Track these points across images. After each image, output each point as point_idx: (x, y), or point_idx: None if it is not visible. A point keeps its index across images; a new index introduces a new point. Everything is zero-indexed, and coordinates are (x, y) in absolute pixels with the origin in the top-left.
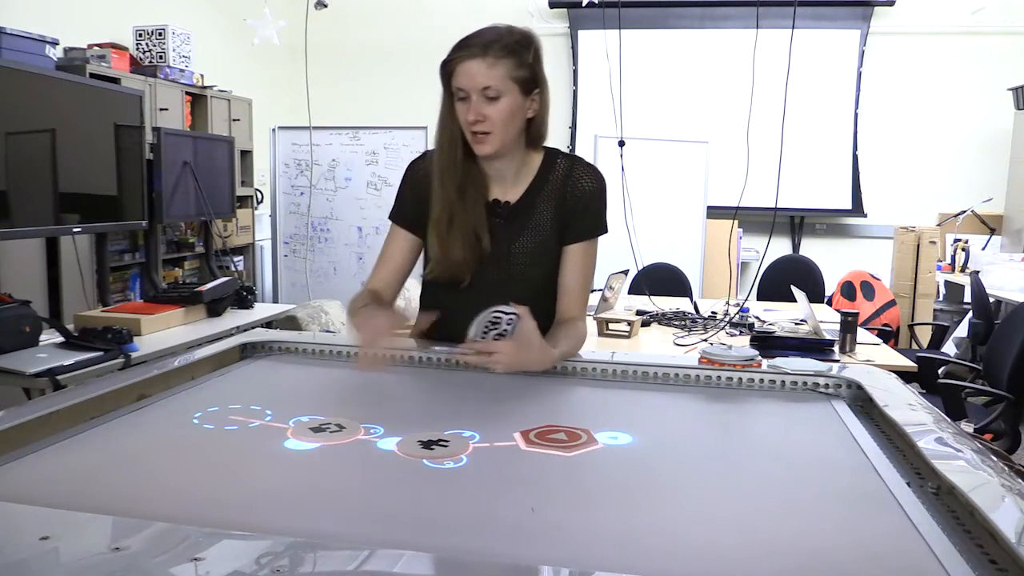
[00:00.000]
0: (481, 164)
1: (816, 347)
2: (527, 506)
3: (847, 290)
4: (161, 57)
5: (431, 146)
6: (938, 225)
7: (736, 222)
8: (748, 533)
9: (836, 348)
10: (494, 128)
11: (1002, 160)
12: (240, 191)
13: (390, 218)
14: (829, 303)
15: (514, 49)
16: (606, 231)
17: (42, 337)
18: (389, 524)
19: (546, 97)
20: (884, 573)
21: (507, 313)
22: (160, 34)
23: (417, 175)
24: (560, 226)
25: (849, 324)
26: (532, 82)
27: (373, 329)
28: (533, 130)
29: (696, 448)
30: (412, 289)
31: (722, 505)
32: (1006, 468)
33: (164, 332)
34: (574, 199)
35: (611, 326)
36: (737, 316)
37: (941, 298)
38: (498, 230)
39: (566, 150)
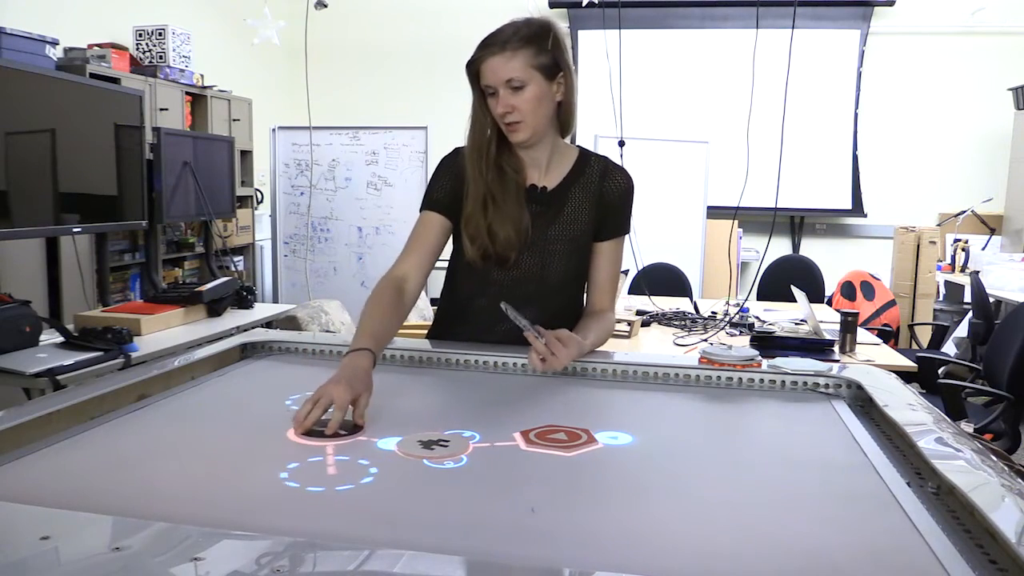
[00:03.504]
0: (517, 151)
1: (816, 347)
2: (527, 506)
3: (847, 290)
4: (161, 57)
5: (431, 146)
6: (938, 225)
7: (736, 222)
8: (748, 533)
9: (836, 348)
10: (524, 116)
11: (1002, 160)
12: (240, 191)
13: (421, 208)
14: (829, 303)
15: (531, 38)
16: (629, 230)
17: (42, 337)
18: (389, 524)
19: (571, 81)
20: (884, 573)
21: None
22: (160, 34)
23: (455, 165)
24: (595, 223)
25: (849, 324)
26: (554, 67)
27: (334, 394)
28: (563, 115)
29: (696, 448)
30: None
31: (722, 505)
32: (1006, 468)
33: (164, 332)
34: (610, 198)
35: None
36: (737, 316)
37: (941, 298)
38: (535, 215)
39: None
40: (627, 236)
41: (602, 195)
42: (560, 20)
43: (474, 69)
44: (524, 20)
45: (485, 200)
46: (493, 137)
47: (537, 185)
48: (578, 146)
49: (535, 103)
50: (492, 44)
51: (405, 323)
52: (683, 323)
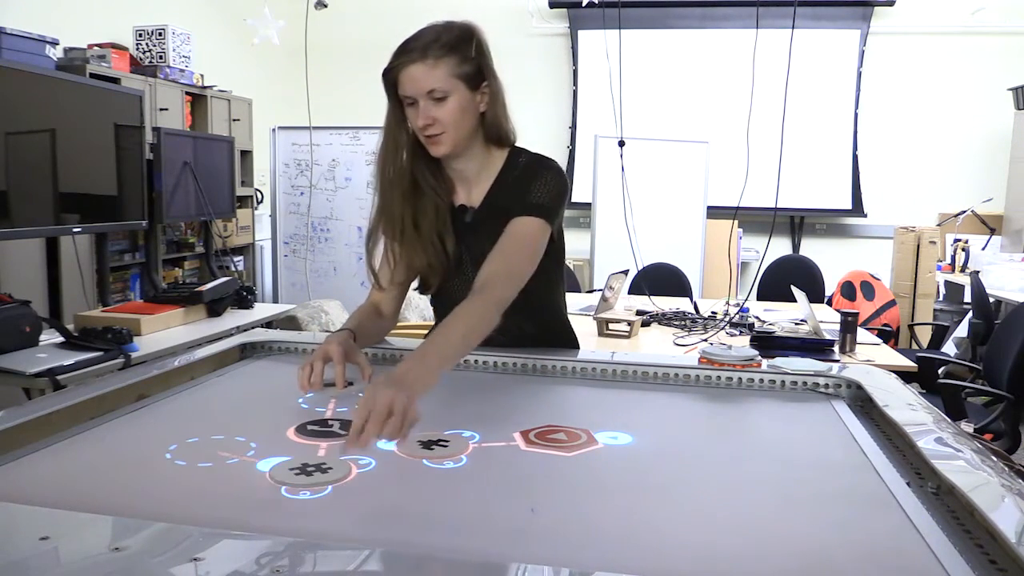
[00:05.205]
0: (443, 167)
1: (816, 347)
2: (527, 506)
3: (847, 290)
4: (161, 57)
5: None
6: (938, 225)
7: (736, 222)
8: (748, 533)
9: (836, 348)
10: (446, 128)
11: (1002, 160)
12: (240, 191)
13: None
14: (829, 303)
15: (454, 46)
16: (548, 219)
17: (42, 337)
18: (389, 524)
19: (496, 88)
20: (884, 573)
21: None
22: (160, 34)
23: None
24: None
25: (849, 324)
26: (478, 75)
27: (328, 350)
28: (489, 124)
29: (696, 448)
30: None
31: (722, 505)
32: (1006, 468)
33: (164, 332)
34: (523, 181)
35: (611, 326)
36: (737, 316)
37: (941, 298)
38: (467, 234)
39: (566, 150)
40: (539, 221)
41: (516, 182)
42: (560, 20)
43: (391, 78)
44: (444, 24)
45: (400, 225)
46: (408, 153)
47: (466, 205)
48: (511, 147)
49: (458, 114)
50: (412, 50)
51: (405, 323)
52: (683, 323)
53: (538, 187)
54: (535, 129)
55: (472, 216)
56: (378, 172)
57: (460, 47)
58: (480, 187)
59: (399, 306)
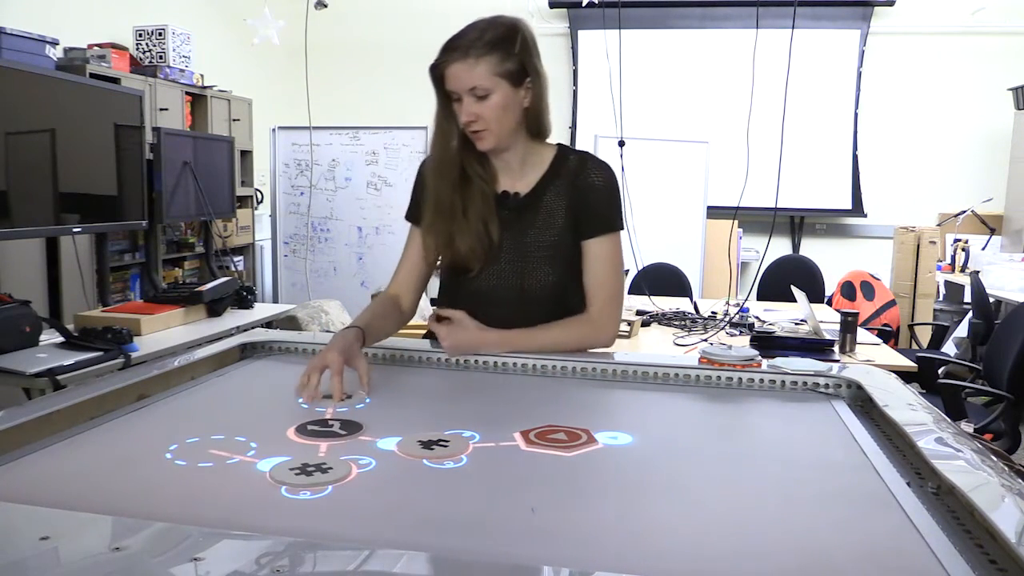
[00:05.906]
0: (489, 156)
1: (816, 347)
2: (527, 506)
3: (847, 290)
4: (161, 57)
5: (431, 146)
6: (938, 225)
7: (736, 222)
8: (748, 533)
9: (836, 348)
10: (489, 125)
11: (1002, 160)
12: (240, 191)
13: (406, 218)
14: (829, 303)
15: (496, 44)
16: (621, 227)
17: (42, 337)
18: (389, 524)
19: (540, 85)
20: (884, 573)
21: None
22: (160, 34)
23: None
24: (573, 222)
25: (849, 324)
26: (521, 72)
27: (327, 359)
28: (531, 119)
29: (696, 448)
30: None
31: (722, 505)
32: (1006, 468)
33: (164, 332)
34: (584, 195)
35: None
36: (737, 316)
37: (941, 298)
38: (509, 222)
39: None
40: (621, 233)
41: (576, 192)
42: (560, 20)
43: (437, 74)
44: (490, 20)
45: (448, 211)
46: (459, 144)
47: (509, 191)
48: (558, 144)
49: (500, 111)
50: (455, 48)
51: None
52: (683, 323)
53: (599, 200)
54: None
55: (518, 202)
56: (429, 162)
57: (503, 45)
58: (527, 177)
59: (418, 299)
